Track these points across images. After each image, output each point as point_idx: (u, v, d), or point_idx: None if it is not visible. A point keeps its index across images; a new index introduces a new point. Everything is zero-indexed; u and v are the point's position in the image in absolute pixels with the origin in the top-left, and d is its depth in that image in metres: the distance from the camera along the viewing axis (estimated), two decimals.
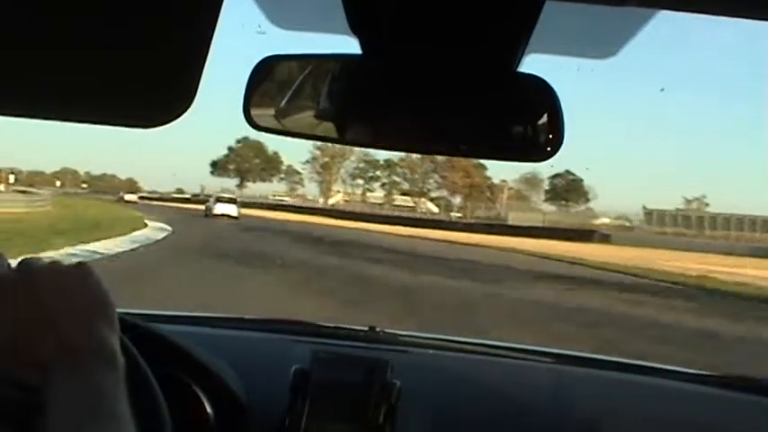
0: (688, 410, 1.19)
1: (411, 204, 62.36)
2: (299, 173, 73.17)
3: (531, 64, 0.80)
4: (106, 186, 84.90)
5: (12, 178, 67.59)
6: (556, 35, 0.77)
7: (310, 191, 72.15)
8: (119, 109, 0.56)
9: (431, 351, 1.31)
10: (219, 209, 33.98)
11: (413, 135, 0.81)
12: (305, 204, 60.36)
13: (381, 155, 74.37)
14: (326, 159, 66.71)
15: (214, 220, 29.69)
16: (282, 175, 74.73)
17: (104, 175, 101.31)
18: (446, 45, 0.78)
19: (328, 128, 0.83)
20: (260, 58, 0.79)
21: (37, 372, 0.56)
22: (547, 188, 62.95)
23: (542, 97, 0.77)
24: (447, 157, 61.28)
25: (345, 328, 1.41)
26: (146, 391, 0.71)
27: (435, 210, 61.82)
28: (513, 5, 0.68)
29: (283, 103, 0.82)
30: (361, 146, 0.86)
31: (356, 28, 0.74)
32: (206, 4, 0.50)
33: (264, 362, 1.15)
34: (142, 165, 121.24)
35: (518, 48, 0.75)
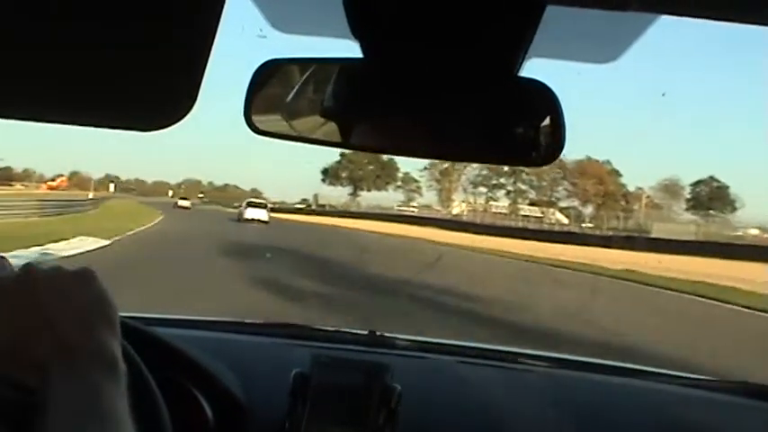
0: (684, 414, 1.18)
1: (539, 214, 57.86)
2: (416, 180, 68.89)
3: (535, 68, 0.79)
4: (226, 197, 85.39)
5: (112, 187, 75.35)
6: (557, 39, 0.75)
7: (428, 200, 68.00)
8: (119, 112, 0.58)
9: (430, 355, 1.31)
10: (250, 213, 33.30)
11: (415, 139, 0.81)
12: (428, 215, 54.88)
13: None
14: (446, 166, 61.86)
15: (239, 229, 25.57)
16: (399, 183, 70.34)
17: (226, 185, 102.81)
18: (447, 49, 0.78)
19: (330, 131, 0.83)
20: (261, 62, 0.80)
21: (34, 373, 0.57)
22: (688, 196, 58.06)
23: (544, 101, 0.77)
24: (577, 164, 57.47)
25: (345, 332, 1.41)
26: (147, 397, 0.72)
27: (565, 220, 57.17)
28: (515, 10, 0.67)
29: (285, 106, 0.83)
30: (362, 150, 0.86)
31: (357, 31, 0.75)
32: (207, 7, 0.50)
33: (264, 365, 1.16)
34: (268, 175, 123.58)
35: (519, 52, 0.75)
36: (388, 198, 69.29)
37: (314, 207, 67.77)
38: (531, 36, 0.70)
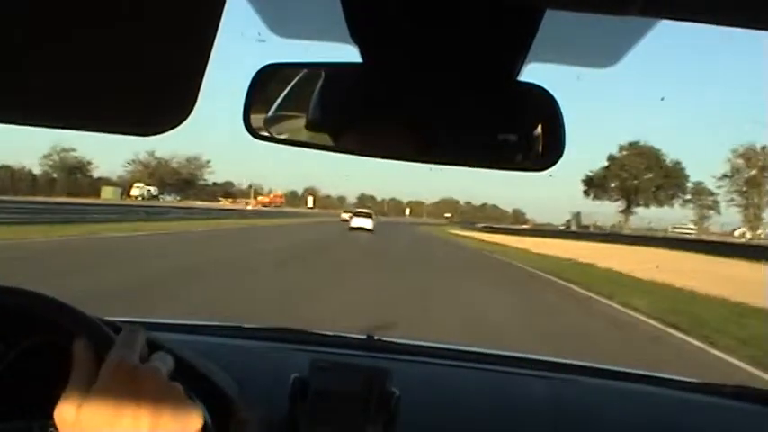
0: (685, 419, 1.19)
1: None
2: (711, 193, 51.71)
3: (534, 72, 0.78)
4: (481, 217, 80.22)
5: (310, 201, 73.83)
6: (557, 44, 0.76)
7: (724, 219, 50.14)
8: (116, 117, 0.57)
9: (429, 359, 1.30)
10: (355, 222, 36.11)
11: (414, 144, 0.81)
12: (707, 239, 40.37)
13: None
14: (753, 172, 45.57)
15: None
16: (688, 196, 52.55)
17: (485, 205, 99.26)
18: (447, 53, 0.77)
19: (328, 136, 0.83)
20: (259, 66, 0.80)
21: None
22: None
23: (543, 106, 0.77)
24: None
25: (343, 337, 1.40)
26: None
27: None
28: (514, 15, 0.67)
29: (283, 111, 0.83)
30: (361, 155, 0.84)
31: (356, 36, 0.75)
32: (207, 11, 0.50)
33: (262, 370, 1.17)
34: (534, 194, 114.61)
35: (519, 57, 0.74)
36: (674, 216, 50.85)
37: (574, 229, 53.61)
38: (530, 41, 0.70)
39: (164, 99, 0.54)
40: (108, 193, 54.46)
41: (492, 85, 0.79)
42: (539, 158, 0.78)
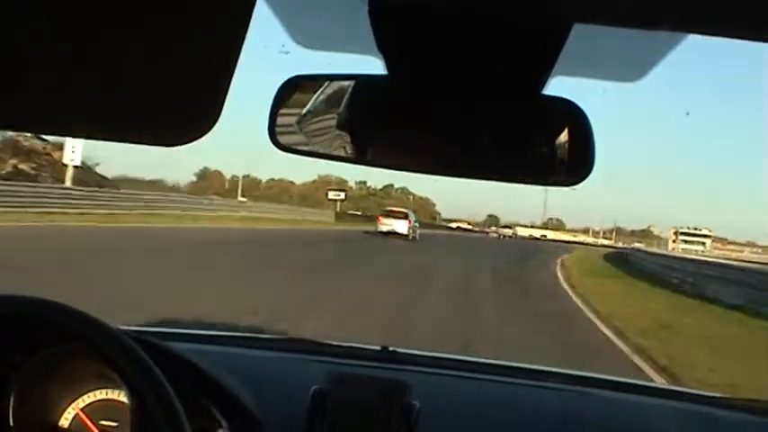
0: None
1: None
2: None
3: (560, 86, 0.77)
4: (390, 204, 72.95)
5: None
6: (584, 57, 0.74)
7: None
8: (142, 127, 0.57)
9: (446, 371, 1.31)
10: (384, 226, 26.58)
11: (438, 157, 0.80)
12: None
13: None
14: None
15: None
16: None
17: (390, 188, 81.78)
18: (473, 66, 0.76)
19: (354, 148, 0.83)
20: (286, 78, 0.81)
21: None
22: None
23: (571, 119, 0.76)
24: None
25: (359, 348, 1.40)
26: (170, 413, 0.75)
27: None
28: (541, 28, 0.66)
29: (309, 122, 0.84)
30: (387, 168, 0.84)
31: (383, 47, 0.74)
32: (233, 21, 0.50)
33: (278, 381, 1.17)
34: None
35: (545, 70, 0.73)
36: None
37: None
38: (557, 54, 0.69)
39: (189, 110, 0.55)
40: None
41: (518, 98, 0.78)
42: (568, 172, 0.78)
